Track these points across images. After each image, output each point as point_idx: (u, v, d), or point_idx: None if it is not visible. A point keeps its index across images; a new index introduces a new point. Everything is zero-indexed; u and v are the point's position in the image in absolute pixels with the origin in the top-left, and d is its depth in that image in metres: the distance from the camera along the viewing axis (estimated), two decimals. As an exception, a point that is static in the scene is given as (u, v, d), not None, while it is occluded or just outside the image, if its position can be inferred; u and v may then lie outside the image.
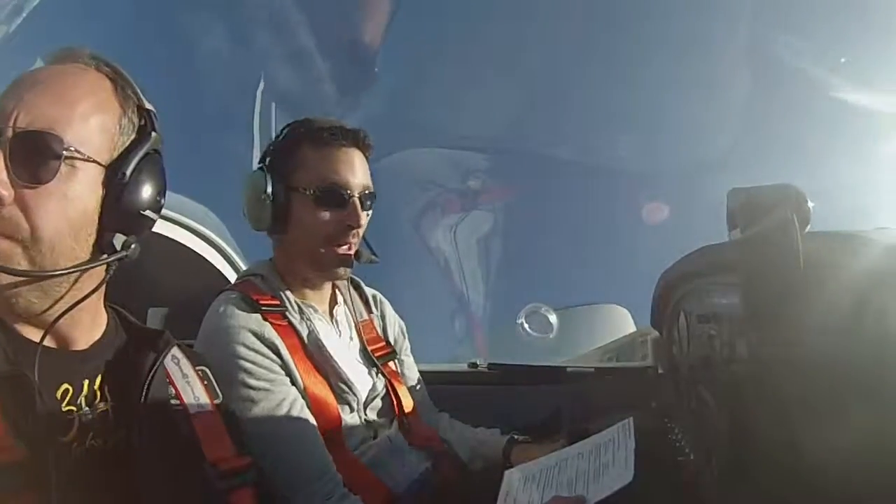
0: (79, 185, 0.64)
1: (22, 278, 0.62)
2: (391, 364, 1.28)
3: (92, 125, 0.65)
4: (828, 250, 0.65)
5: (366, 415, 1.16)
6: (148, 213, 0.70)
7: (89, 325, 0.71)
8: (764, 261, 0.66)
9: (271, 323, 1.06)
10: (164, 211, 0.75)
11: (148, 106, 0.72)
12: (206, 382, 0.82)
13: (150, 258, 0.74)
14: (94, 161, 0.65)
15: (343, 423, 1.10)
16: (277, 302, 1.10)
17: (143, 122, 0.71)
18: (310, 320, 1.12)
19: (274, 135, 1.20)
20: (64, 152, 0.62)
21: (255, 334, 1.03)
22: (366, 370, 1.21)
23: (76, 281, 0.66)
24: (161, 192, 0.72)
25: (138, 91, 0.72)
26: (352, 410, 1.13)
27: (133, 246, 0.69)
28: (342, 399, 1.11)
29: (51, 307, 0.65)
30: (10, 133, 0.60)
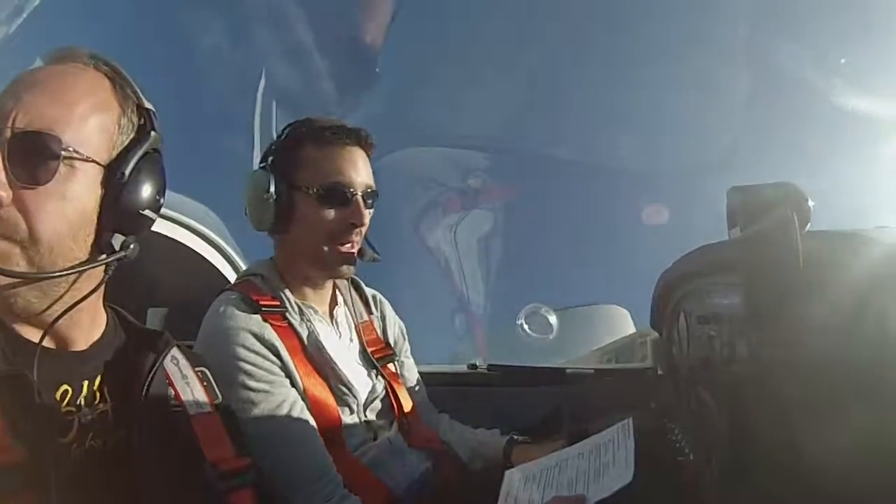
0: (77, 186, 0.63)
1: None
2: (391, 365, 1.28)
3: (91, 125, 0.65)
4: (828, 250, 0.65)
5: (365, 416, 1.16)
6: (147, 212, 0.69)
7: (88, 326, 0.71)
8: (764, 260, 0.66)
9: (271, 324, 1.06)
10: (163, 210, 0.75)
11: (147, 105, 0.72)
12: (205, 383, 0.82)
13: (150, 258, 0.74)
14: (93, 161, 0.65)
15: (343, 424, 1.10)
16: (277, 302, 1.10)
17: (142, 122, 0.71)
18: (310, 321, 1.12)
19: (275, 134, 1.20)
20: (62, 153, 0.61)
21: (255, 336, 1.03)
22: (365, 371, 1.21)
23: (75, 281, 0.66)
24: (160, 191, 0.72)
25: (138, 90, 0.72)
26: (351, 412, 1.13)
27: (132, 246, 0.69)
28: (342, 400, 1.11)
29: (50, 307, 0.64)
30: (8, 133, 0.60)
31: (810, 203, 0.67)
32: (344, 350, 1.18)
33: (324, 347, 1.10)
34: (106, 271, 0.69)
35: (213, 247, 1.89)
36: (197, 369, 0.82)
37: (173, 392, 0.77)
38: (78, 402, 0.66)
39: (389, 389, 1.22)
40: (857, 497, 0.55)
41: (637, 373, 1.71)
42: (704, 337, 1.00)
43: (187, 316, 1.18)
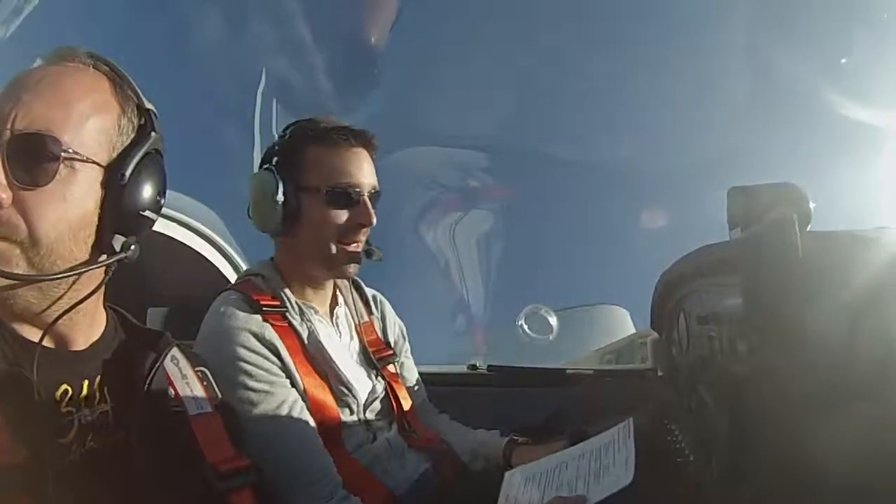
0: (78, 187, 0.63)
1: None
2: (391, 366, 1.28)
3: (90, 126, 0.65)
4: (828, 250, 0.65)
5: (365, 416, 1.16)
6: (147, 213, 0.69)
7: (89, 326, 0.71)
8: (764, 261, 0.66)
9: (272, 324, 1.06)
10: (163, 209, 0.74)
11: (148, 105, 0.72)
12: (205, 383, 0.82)
13: (150, 257, 0.74)
14: (93, 162, 0.64)
15: (343, 424, 1.10)
16: (278, 302, 1.10)
17: (142, 122, 0.71)
18: (310, 321, 1.12)
19: (275, 133, 1.20)
20: (62, 154, 0.61)
21: (256, 336, 1.03)
22: (365, 372, 1.21)
23: (75, 282, 0.65)
24: (161, 192, 0.71)
25: (138, 90, 0.71)
26: (351, 412, 1.13)
27: (133, 247, 0.69)
28: (342, 401, 1.11)
29: (50, 308, 0.64)
30: (8, 135, 0.60)
31: (811, 204, 0.67)
32: (344, 350, 1.18)
33: (324, 347, 1.10)
34: (106, 272, 0.69)
35: (214, 246, 1.89)
36: (197, 369, 0.82)
37: (173, 392, 0.77)
38: (78, 402, 0.66)
39: (389, 390, 1.22)
40: (858, 497, 0.55)
41: (637, 373, 1.71)
42: (704, 337, 1.00)
43: (187, 316, 1.18)
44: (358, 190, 1.11)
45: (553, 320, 2.32)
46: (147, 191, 0.69)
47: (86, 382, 0.68)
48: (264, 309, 1.06)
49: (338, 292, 1.25)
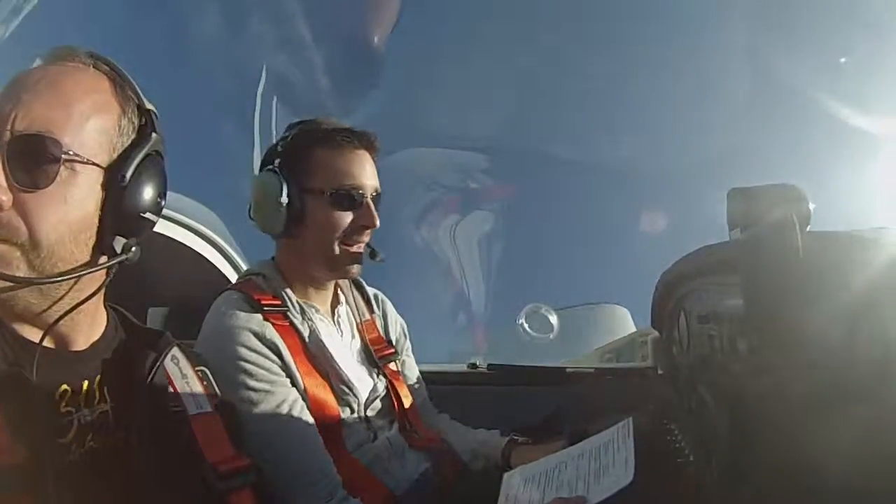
0: (78, 189, 0.63)
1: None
2: (392, 364, 1.28)
3: (91, 127, 0.65)
4: (828, 251, 0.65)
5: (366, 415, 1.16)
6: (148, 215, 0.69)
7: (89, 326, 0.71)
8: (764, 261, 0.66)
9: (273, 323, 1.06)
10: (164, 210, 0.74)
11: (148, 106, 0.72)
12: (205, 383, 0.82)
13: (151, 258, 0.74)
14: (94, 164, 0.64)
15: (343, 423, 1.10)
16: (279, 302, 1.10)
17: (143, 122, 0.70)
18: (311, 320, 1.12)
19: (275, 134, 1.20)
20: (63, 156, 0.61)
21: (257, 335, 1.03)
22: (367, 371, 1.21)
23: (76, 283, 0.65)
24: (161, 194, 0.71)
25: (138, 90, 0.71)
26: (352, 411, 1.13)
27: (133, 249, 0.69)
28: (343, 400, 1.11)
29: (50, 308, 0.64)
30: (7, 136, 0.60)
31: (810, 204, 0.67)
32: (345, 349, 1.19)
33: (325, 347, 1.10)
34: (107, 274, 0.68)
35: (214, 247, 1.89)
36: (197, 369, 0.82)
37: (173, 392, 0.77)
38: (77, 401, 0.66)
39: (391, 388, 1.23)
40: (858, 498, 0.55)
41: (637, 372, 1.71)
42: (705, 336, 1.01)
43: (188, 316, 1.18)
44: (361, 192, 1.12)
45: (553, 319, 2.32)
46: (148, 192, 0.68)
47: (86, 382, 0.68)
48: (265, 308, 1.06)
49: (339, 291, 1.25)
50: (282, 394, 1.02)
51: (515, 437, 1.27)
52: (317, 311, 1.15)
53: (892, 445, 0.51)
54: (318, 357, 1.10)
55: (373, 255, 1.19)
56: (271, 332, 1.04)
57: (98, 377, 0.69)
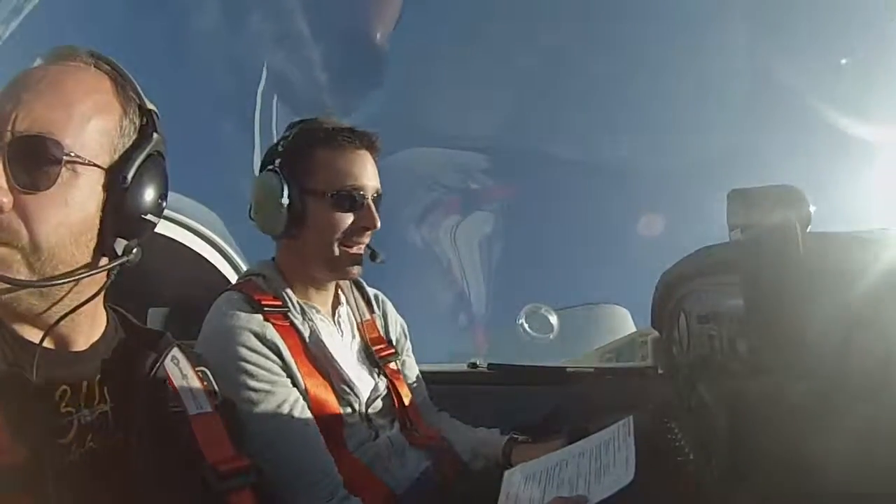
0: (79, 191, 0.63)
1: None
2: (392, 364, 1.28)
3: (92, 127, 0.64)
4: (828, 251, 0.65)
5: (367, 415, 1.16)
6: (149, 216, 0.69)
7: (89, 326, 0.71)
8: (764, 262, 0.66)
9: (273, 323, 1.06)
10: (164, 211, 0.74)
11: (149, 106, 0.71)
12: (205, 383, 0.82)
13: (151, 258, 0.74)
14: (95, 165, 0.64)
15: (344, 423, 1.10)
16: (279, 302, 1.10)
17: (144, 123, 0.70)
18: (312, 321, 1.12)
19: (275, 133, 1.20)
20: (64, 157, 0.61)
21: (257, 335, 1.03)
22: (367, 370, 1.21)
23: (76, 285, 0.65)
24: (163, 195, 0.71)
25: (139, 90, 0.71)
26: (353, 411, 1.13)
27: (134, 250, 0.68)
28: (344, 400, 1.12)
29: (50, 309, 0.64)
30: (8, 137, 0.59)
31: (811, 205, 0.67)
32: (346, 349, 1.19)
33: (325, 347, 1.10)
34: (108, 275, 0.68)
35: (214, 247, 1.89)
36: (197, 369, 0.82)
37: (173, 392, 0.77)
38: (77, 402, 0.66)
39: (391, 387, 1.23)
40: (857, 498, 0.55)
41: (637, 371, 1.71)
42: (705, 336, 1.01)
43: (188, 316, 1.18)
44: (362, 193, 1.12)
45: (553, 319, 2.32)
46: (149, 194, 0.68)
47: (86, 383, 0.67)
48: (266, 309, 1.06)
49: (339, 291, 1.26)
50: (283, 394, 1.02)
51: (515, 436, 1.27)
52: (317, 311, 1.15)
53: (892, 445, 0.51)
54: (318, 357, 1.10)
55: (373, 256, 1.19)
56: (272, 333, 1.04)
57: (98, 377, 0.69)
